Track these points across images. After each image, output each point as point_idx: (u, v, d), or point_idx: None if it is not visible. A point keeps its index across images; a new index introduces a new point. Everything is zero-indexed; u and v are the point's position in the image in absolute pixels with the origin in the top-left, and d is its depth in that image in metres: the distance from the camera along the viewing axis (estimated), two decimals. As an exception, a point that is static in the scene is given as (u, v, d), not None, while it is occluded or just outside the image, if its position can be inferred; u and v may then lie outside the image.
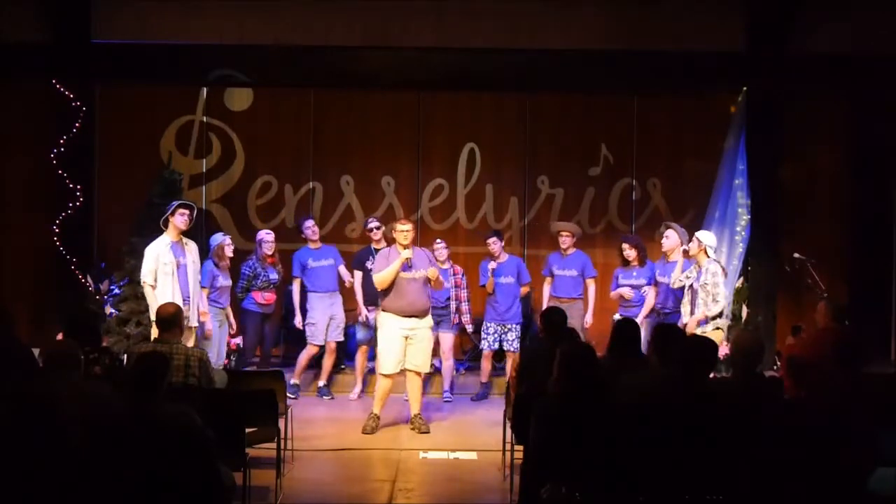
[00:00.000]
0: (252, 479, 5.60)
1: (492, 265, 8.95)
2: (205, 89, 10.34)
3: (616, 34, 9.45)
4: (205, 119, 10.36)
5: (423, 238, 10.26)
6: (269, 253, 8.88)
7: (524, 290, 9.12)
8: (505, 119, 10.50)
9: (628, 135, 10.40)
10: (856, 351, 5.26)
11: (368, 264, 8.88)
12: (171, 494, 4.26)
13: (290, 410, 6.79)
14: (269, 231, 9.07)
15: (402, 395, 8.39)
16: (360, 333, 9.05)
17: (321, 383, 9.06)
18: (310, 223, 9.09)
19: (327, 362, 9.08)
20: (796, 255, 9.29)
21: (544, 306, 9.01)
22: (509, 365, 9.04)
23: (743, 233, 9.55)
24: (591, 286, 8.97)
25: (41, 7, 9.42)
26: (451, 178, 10.47)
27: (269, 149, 10.45)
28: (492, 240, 9.03)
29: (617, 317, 8.67)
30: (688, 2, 9.48)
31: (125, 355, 6.36)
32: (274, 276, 8.85)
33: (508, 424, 6.36)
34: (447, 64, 9.80)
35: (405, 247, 7.68)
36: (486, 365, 9.14)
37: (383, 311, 7.81)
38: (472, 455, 7.19)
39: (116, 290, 9.03)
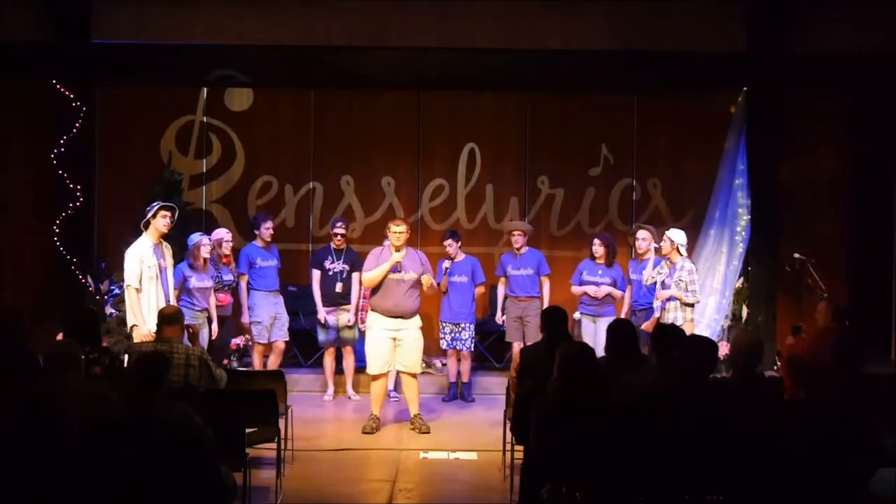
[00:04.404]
0: (252, 479, 5.61)
1: (446, 264, 8.95)
2: (205, 89, 10.33)
3: (616, 34, 9.44)
4: (205, 119, 10.35)
5: (423, 238, 10.28)
6: (227, 253, 8.71)
7: (479, 290, 9.11)
8: (505, 119, 10.49)
9: (628, 135, 10.40)
10: (856, 351, 5.25)
11: (327, 263, 8.89)
12: (172, 495, 4.26)
13: (290, 410, 6.79)
14: (228, 230, 8.94)
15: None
16: (321, 335, 9.01)
17: None
18: (269, 224, 8.98)
19: (274, 362, 8.87)
20: (796, 255, 9.31)
21: (499, 306, 9.13)
22: (465, 367, 9.11)
23: (743, 233, 9.57)
24: (546, 284, 9.00)
25: (41, 7, 9.42)
26: (452, 178, 10.46)
27: (269, 149, 10.44)
28: (447, 241, 9.03)
29: (577, 315, 8.72)
30: (688, 2, 9.47)
31: (125, 355, 6.35)
32: (228, 277, 8.65)
33: (508, 424, 6.36)
34: (447, 64, 9.80)
35: (397, 248, 7.70)
36: (451, 364, 9.15)
37: (372, 310, 7.87)
38: (472, 455, 7.20)
39: (116, 290, 9.03)
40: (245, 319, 8.83)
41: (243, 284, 8.83)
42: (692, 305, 8.03)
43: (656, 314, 8.12)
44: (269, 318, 8.85)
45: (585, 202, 10.43)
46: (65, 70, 9.40)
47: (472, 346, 9.07)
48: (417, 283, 7.77)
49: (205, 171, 10.36)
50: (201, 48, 9.60)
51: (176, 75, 9.89)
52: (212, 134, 10.36)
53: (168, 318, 6.10)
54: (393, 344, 7.75)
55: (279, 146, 10.46)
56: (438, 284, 8.83)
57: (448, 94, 10.38)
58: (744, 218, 9.57)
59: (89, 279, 9.25)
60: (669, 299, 7.98)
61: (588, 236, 9.98)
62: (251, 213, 10.25)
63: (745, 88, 9.68)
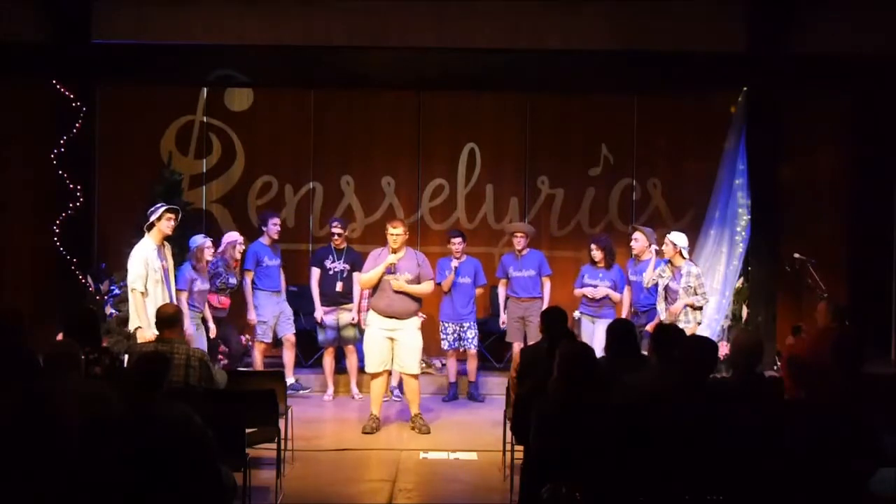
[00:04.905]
0: (252, 479, 5.62)
1: (454, 264, 8.97)
2: (205, 89, 10.32)
3: (616, 34, 9.43)
4: (205, 119, 10.35)
5: (423, 238, 10.28)
6: (238, 257, 8.73)
7: (479, 291, 9.15)
8: (505, 119, 10.49)
9: (628, 135, 10.39)
10: (856, 351, 5.25)
11: (327, 263, 8.90)
12: (172, 495, 4.26)
13: (290, 410, 6.79)
14: (239, 234, 8.93)
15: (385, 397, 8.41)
16: (321, 335, 9.02)
17: (290, 380, 8.89)
18: (276, 220, 9.07)
19: (288, 358, 9.00)
20: (796, 255, 9.32)
21: (502, 307, 9.15)
22: (472, 366, 9.11)
23: (743, 233, 9.56)
24: (547, 284, 9.03)
25: (41, 7, 9.41)
26: (452, 178, 10.46)
27: (269, 149, 10.44)
28: (457, 240, 9.05)
29: (577, 314, 8.74)
30: (688, 2, 9.47)
31: (125, 355, 6.35)
32: (233, 280, 8.65)
33: (508, 424, 6.37)
34: (447, 64, 9.80)
35: (395, 250, 7.71)
36: (451, 364, 9.16)
37: (370, 308, 7.91)
38: (472, 455, 7.20)
39: (116, 291, 9.02)
40: (251, 317, 8.83)
41: (248, 281, 8.83)
42: (700, 309, 8.03)
43: (661, 316, 8.10)
44: (273, 318, 8.89)
45: (585, 202, 10.43)
46: (65, 70, 9.39)
47: (478, 344, 9.08)
48: (415, 284, 7.76)
49: (205, 171, 10.36)
50: (201, 48, 9.60)
51: (176, 75, 9.88)
52: (212, 134, 10.35)
53: (168, 320, 6.07)
54: (390, 343, 7.76)
55: (279, 146, 10.45)
56: (439, 284, 8.84)
57: (448, 94, 10.38)
58: (744, 218, 9.56)
59: (89, 279, 9.25)
60: (683, 308, 7.95)
61: (588, 237, 9.98)
62: (251, 213, 10.27)
63: (745, 88, 9.67)
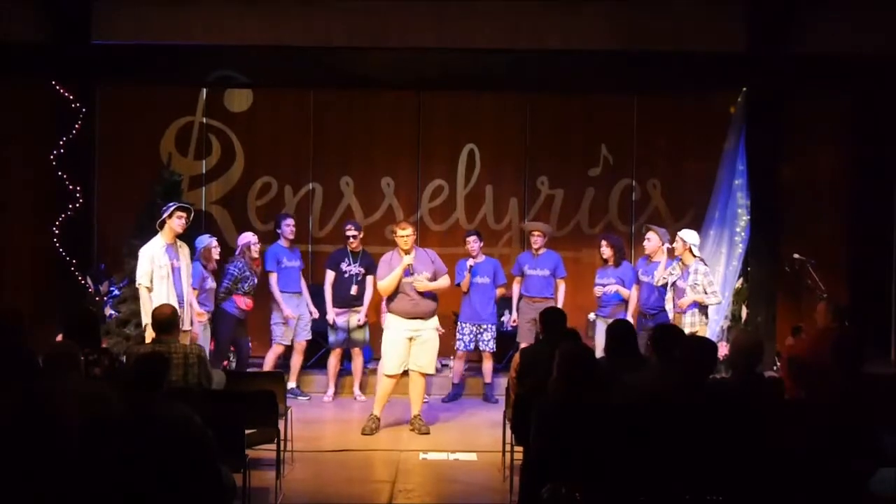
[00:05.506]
0: (252, 480, 5.61)
1: (470, 263, 8.97)
2: (205, 90, 10.33)
3: (616, 34, 9.44)
4: (204, 120, 10.35)
5: (423, 239, 10.26)
6: (256, 256, 8.77)
7: (500, 291, 9.14)
8: (505, 119, 10.49)
9: (628, 135, 10.39)
10: (856, 351, 5.25)
11: (343, 266, 8.89)
12: (172, 496, 4.26)
13: (289, 411, 6.79)
14: (254, 234, 8.98)
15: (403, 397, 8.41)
16: (332, 336, 9.01)
17: (291, 384, 8.91)
18: (290, 221, 9.10)
19: (296, 362, 9.04)
20: (796, 255, 9.32)
21: (514, 305, 9.13)
22: (487, 367, 9.09)
23: (743, 233, 9.56)
24: (562, 286, 9.01)
25: (41, 7, 9.41)
26: (451, 178, 10.46)
27: (269, 150, 10.44)
28: (471, 238, 9.06)
29: (591, 316, 8.73)
30: (688, 2, 9.47)
31: (124, 356, 6.34)
32: (255, 280, 8.71)
33: (508, 425, 6.37)
34: (447, 64, 9.80)
35: (406, 252, 7.69)
36: (458, 366, 9.15)
37: (389, 312, 7.86)
38: (472, 455, 7.20)
39: (116, 292, 9.02)
40: (288, 313, 8.84)
41: (273, 282, 8.86)
42: (706, 314, 8.01)
43: (670, 316, 8.08)
44: (292, 320, 8.89)
45: (585, 202, 10.43)
46: (65, 70, 9.39)
47: (494, 346, 9.05)
48: (433, 281, 7.77)
49: (204, 171, 10.36)
50: (201, 48, 9.60)
51: (176, 75, 9.89)
52: (211, 135, 10.36)
53: (164, 323, 6.00)
54: (409, 345, 7.75)
55: (279, 147, 10.45)
56: (458, 285, 8.84)
57: (448, 94, 10.38)
58: (743, 218, 9.56)
59: (89, 280, 9.23)
60: (691, 306, 7.94)
61: (588, 237, 10.01)
62: (251, 214, 10.28)
63: (744, 88, 9.67)
